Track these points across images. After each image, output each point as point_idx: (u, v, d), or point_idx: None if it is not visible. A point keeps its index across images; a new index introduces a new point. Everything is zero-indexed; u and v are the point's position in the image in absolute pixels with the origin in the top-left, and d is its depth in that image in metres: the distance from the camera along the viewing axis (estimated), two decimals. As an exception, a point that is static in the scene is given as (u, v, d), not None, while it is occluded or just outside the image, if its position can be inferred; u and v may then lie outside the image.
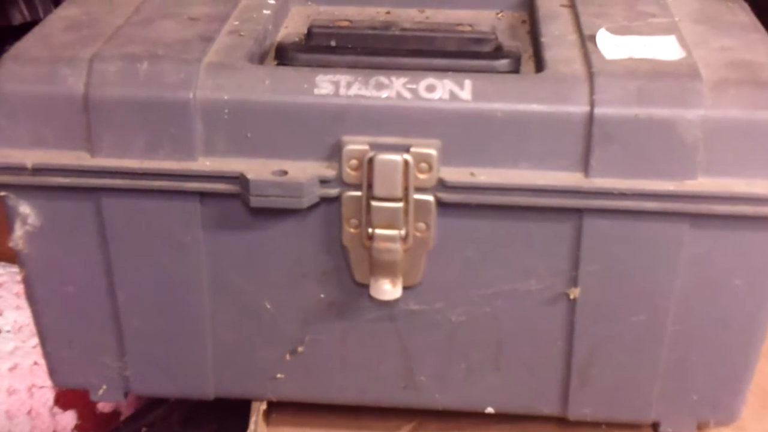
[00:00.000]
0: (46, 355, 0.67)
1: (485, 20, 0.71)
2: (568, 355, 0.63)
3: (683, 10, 0.67)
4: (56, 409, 0.83)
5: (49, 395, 0.83)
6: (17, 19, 0.99)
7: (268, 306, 0.63)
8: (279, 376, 0.66)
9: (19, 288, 0.64)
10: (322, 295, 0.63)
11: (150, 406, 0.80)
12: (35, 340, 0.66)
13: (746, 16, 0.67)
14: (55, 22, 0.64)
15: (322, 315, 0.63)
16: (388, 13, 0.73)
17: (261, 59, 0.63)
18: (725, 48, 0.61)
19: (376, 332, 0.64)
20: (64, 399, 0.84)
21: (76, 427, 0.84)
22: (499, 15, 0.72)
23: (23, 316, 0.86)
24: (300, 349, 0.64)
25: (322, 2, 0.74)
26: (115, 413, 0.85)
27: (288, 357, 0.65)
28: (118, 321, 0.64)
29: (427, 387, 0.66)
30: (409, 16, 0.72)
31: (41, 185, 0.59)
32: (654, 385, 0.64)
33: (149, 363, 0.66)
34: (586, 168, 0.56)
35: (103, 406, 0.84)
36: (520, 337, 0.63)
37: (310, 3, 0.74)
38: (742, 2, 0.70)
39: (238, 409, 0.70)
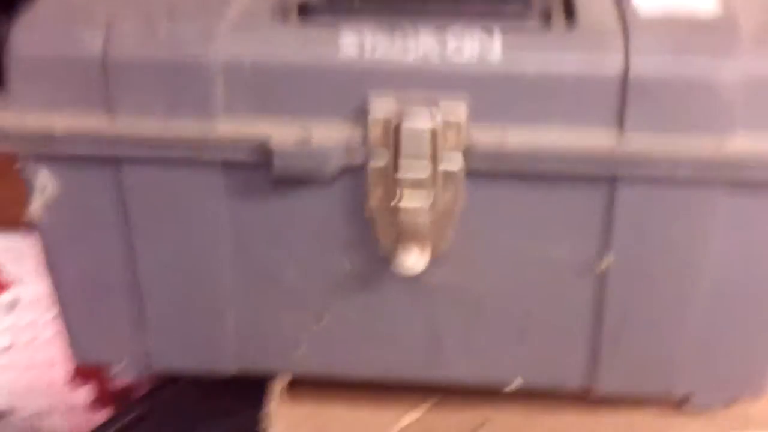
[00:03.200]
0: (66, 328, 0.65)
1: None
2: (598, 327, 0.61)
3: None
4: (73, 384, 0.81)
5: (66, 370, 0.82)
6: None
7: (292, 276, 0.61)
8: (302, 348, 0.64)
9: (38, 258, 0.62)
10: (347, 266, 0.61)
11: (164, 383, 0.78)
12: (53, 313, 0.64)
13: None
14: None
15: (346, 286, 0.61)
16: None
17: (284, 16, 0.61)
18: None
19: (401, 304, 0.62)
20: (81, 374, 0.83)
21: (92, 402, 0.83)
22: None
23: (42, 287, 0.85)
24: (324, 320, 0.63)
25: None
26: (129, 389, 0.84)
27: (313, 327, 0.63)
28: (138, 293, 0.62)
29: (452, 361, 0.64)
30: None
31: (60, 154, 0.57)
32: (685, 357, 0.62)
33: (170, 337, 0.64)
34: (621, 124, 0.54)
35: (119, 382, 0.83)
36: (549, 307, 0.61)
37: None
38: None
39: (253, 390, 0.69)
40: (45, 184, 0.59)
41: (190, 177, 0.58)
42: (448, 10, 0.59)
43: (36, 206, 0.60)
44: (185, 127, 0.56)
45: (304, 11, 0.59)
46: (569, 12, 0.59)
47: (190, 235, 0.60)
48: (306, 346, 0.64)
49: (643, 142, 0.54)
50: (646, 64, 0.53)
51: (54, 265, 0.63)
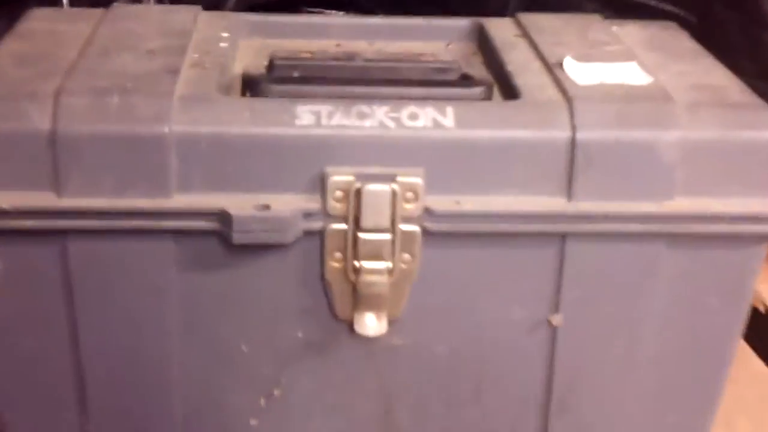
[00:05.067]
0: (1, 408, 0.62)
1: (436, 51, 0.71)
2: (549, 384, 0.63)
3: (631, 38, 0.69)
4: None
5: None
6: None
7: (244, 348, 0.60)
8: (252, 423, 0.63)
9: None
10: (300, 334, 0.60)
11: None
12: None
13: (690, 42, 0.70)
14: (2, 58, 0.61)
15: (299, 355, 0.61)
16: (338, 45, 0.72)
17: (227, 92, 0.61)
18: (684, 72, 0.63)
19: (355, 370, 0.62)
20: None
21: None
22: (449, 46, 0.73)
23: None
24: (276, 392, 0.62)
25: (269, 35, 0.72)
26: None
27: (263, 402, 0.62)
28: (80, 372, 0.60)
29: (406, 426, 0.64)
30: (360, 48, 0.71)
31: (4, 229, 0.55)
32: (632, 407, 0.64)
33: (113, 416, 0.62)
34: (569, 192, 0.57)
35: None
36: (503, 367, 0.62)
37: (256, 37, 0.72)
38: (678, 28, 0.73)
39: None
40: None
41: (140, 248, 0.57)
42: (394, 80, 0.61)
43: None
44: (137, 201, 0.55)
45: (251, 86, 0.59)
46: (507, 85, 0.62)
47: (138, 308, 0.59)
48: (257, 419, 0.63)
49: (590, 204, 0.57)
50: (592, 133, 0.56)
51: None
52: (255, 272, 0.58)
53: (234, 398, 0.62)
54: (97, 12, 0.69)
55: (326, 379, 0.62)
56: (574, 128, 0.56)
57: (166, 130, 0.54)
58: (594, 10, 0.76)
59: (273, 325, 0.60)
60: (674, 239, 0.59)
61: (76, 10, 0.79)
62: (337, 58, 0.64)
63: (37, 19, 0.67)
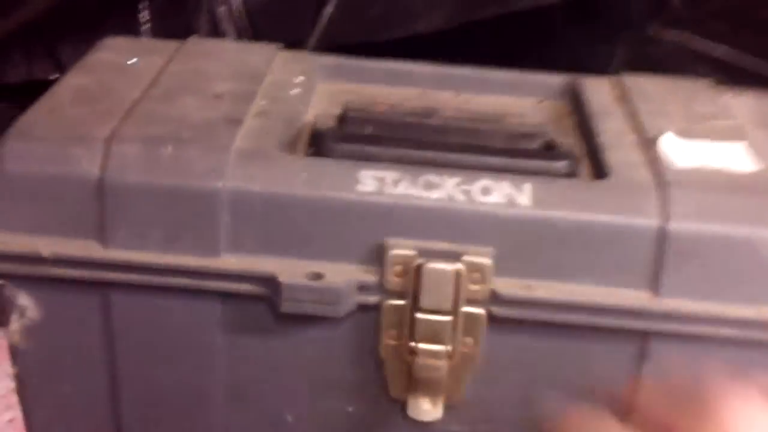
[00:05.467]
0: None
1: (527, 109, 0.66)
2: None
3: (744, 111, 0.63)
4: None
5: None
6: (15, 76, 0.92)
7: (290, 419, 0.56)
8: (293, 495, 0.59)
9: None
10: (350, 409, 0.56)
11: None
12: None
13: (810, 120, 0.63)
14: (63, 92, 0.58)
15: (348, 430, 0.57)
16: (421, 94, 0.67)
17: (292, 145, 0.57)
18: (798, 158, 0.57)
19: (406, 453, 0.57)
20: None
21: None
22: (541, 103, 0.68)
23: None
24: (320, 466, 0.58)
25: (350, 80, 0.68)
26: None
27: (305, 475, 0.58)
28: (119, 426, 0.57)
29: None
30: (444, 99, 0.67)
31: (44, 276, 0.52)
32: None
33: (149, 475, 0.59)
34: (656, 287, 0.51)
35: None
36: (566, 464, 0.57)
37: (336, 81, 0.68)
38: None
39: None
40: (25, 306, 0.54)
41: (186, 307, 0.53)
42: (470, 146, 0.56)
43: (14, 330, 0.55)
44: (184, 258, 0.52)
45: (317, 142, 0.55)
46: (596, 159, 0.56)
47: (181, 368, 0.55)
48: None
49: (678, 302, 0.51)
50: (686, 224, 0.50)
51: (28, 390, 0.57)
52: (304, 342, 0.54)
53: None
54: (172, 45, 0.66)
55: (374, 460, 0.58)
56: (667, 217, 0.50)
57: (220, 185, 0.51)
58: (707, 74, 0.69)
59: (321, 398, 0.56)
60: (773, 347, 0.52)
61: (150, 41, 0.76)
62: (415, 114, 0.60)
63: (107, 50, 0.65)
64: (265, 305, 0.53)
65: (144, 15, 0.90)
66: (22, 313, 0.54)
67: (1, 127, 0.54)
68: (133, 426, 0.57)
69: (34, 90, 0.59)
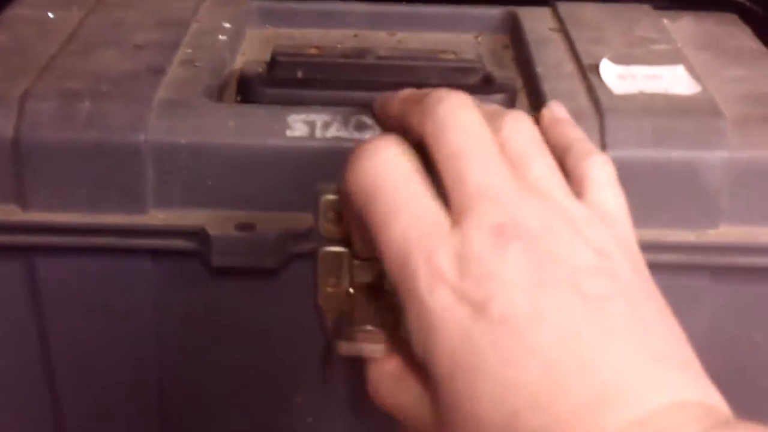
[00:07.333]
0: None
1: (464, 44, 0.64)
2: None
3: (683, 34, 0.61)
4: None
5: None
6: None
7: (231, 373, 0.55)
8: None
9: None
10: (292, 362, 0.55)
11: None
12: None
13: (750, 40, 0.62)
14: (-23, 50, 0.56)
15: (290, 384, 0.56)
16: (355, 36, 0.65)
17: (220, 93, 0.55)
18: (738, 78, 0.55)
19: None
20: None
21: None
22: (478, 38, 0.66)
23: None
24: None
25: (281, 24, 0.66)
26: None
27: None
28: (55, 396, 0.55)
29: None
30: (379, 40, 0.65)
31: (-39, 245, 0.50)
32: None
33: (93, 440, 0.57)
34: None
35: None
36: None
37: (267, 26, 0.66)
38: (739, 22, 0.65)
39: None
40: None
41: (115, 268, 0.51)
42: (404, 84, 0.54)
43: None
44: (110, 217, 0.50)
45: (244, 88, 0.53)
46: (533, 90, 0.55)
47: (113, 332, 0.53)
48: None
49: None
50: (624, 152, 0.49)
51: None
52: (241, 296, 0.52)
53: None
54: (94, -4, 0.63)
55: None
56: (604, 146, 0.49)
57: (142, 138, 0.49)
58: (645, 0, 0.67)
59: (262, 351, 0.54)
60: (718, 272, 0.51)
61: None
62: (346, 55, 0.58)
63: (25, 6, 0.62)
64: (198, 261, 0.51)
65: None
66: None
67: None
68: (67, 391, 0.55)
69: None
